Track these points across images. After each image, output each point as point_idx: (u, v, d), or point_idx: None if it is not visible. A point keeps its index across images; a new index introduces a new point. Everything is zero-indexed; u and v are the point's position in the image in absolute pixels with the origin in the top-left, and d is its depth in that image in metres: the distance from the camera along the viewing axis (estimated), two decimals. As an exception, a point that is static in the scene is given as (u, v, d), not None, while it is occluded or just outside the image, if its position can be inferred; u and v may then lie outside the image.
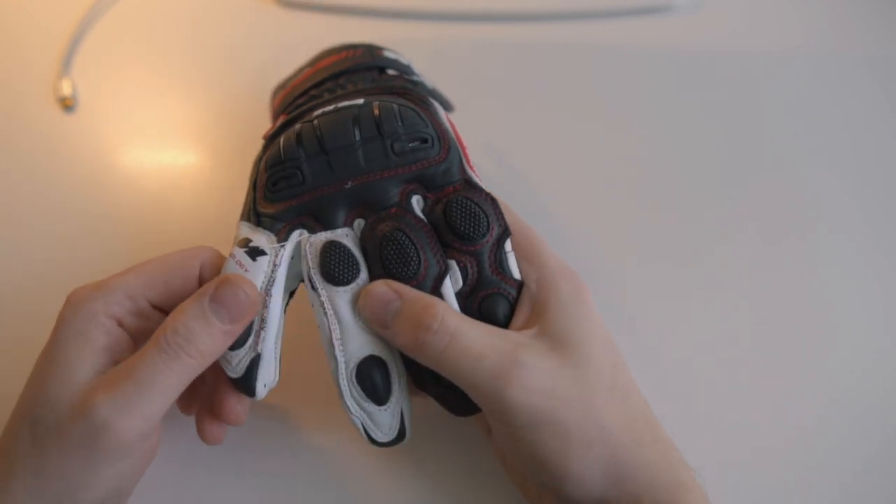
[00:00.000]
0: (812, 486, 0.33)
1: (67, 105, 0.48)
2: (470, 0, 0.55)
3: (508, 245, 0.30)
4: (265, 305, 0.29)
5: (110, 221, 0.42)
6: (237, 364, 0.29)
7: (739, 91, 0.50)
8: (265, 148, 0.33)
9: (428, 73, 0.41)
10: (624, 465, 0.26)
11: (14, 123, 0.48)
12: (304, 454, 0.33)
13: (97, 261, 0.40)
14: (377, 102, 0.31)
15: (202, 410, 0.31)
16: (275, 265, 0.29)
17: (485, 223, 0.29)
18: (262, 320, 0.29)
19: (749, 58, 0.52)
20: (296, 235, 0.30)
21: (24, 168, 0.45)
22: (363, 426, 0.29)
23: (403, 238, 0.29)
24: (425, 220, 0.30)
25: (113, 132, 0.48)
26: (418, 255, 0.29)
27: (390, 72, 0.37)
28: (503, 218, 0.30)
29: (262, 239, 0.30)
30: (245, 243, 0.29)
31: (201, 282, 0.30)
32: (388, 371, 0.29)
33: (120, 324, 0.28)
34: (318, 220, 0.30)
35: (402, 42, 0.45)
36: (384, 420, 0.29)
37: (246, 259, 0.29)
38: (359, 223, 0.30)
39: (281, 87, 0.40)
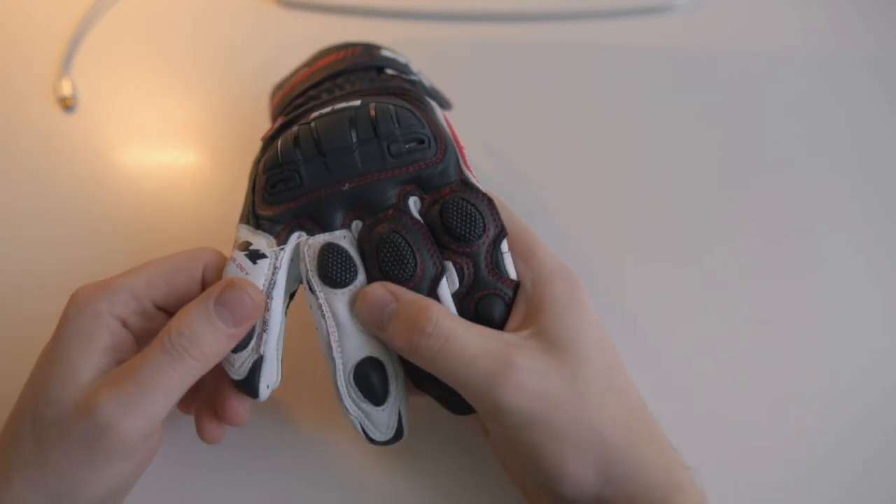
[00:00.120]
0: (812, 486, 0.33)
1: (67, 105, 0.48)
2: (470, 0, 0.55)
3: (505, 246, 0.30)
4: (267, 308, 0.29)
5: (110, 221, 0.43)
6: (240, 366, 0.29)
7: (739, 91, 0.50)
8: (263, 150, 0.33)
9: (428, 73, 0.41)
10: (619, 465, 0.26)
11: (14, 123, 0.48)
12: (303, 453, 0.33)
13: (97, 261, 0.40)
14: (373, 104, 0.31)
15: (202, 410, 0.31)
16: (275, 268, 0.29)
17: (481, 224, 0.29)
18: (264, 323, 0.29)
19: (749, 58, 0.52)
20: (294, 238, 0.30)
21: (24, 168, 0.45)
22: (361, 426, 0.29)
23: (400, 240, 0.29)
24: (422, 221, 0.30)
25: (113, 132, 0.48)
26: (415, 258, 0.29)
27: (388, 71, 0.37)
28: (499, 218, 0.30)
29: (261, 242, 0.30)
30: (245, 246, 0.30)
31: (204, 283, 0.30)
32: (386, 372, 0.29)
33: (124, 324, 0.28)
34: (316, 222, 0.30)
35: (402, 42, 0.45)
36: (382, 420, 0.29)
37: (246, 262, 0.29)
38: (356, 225, 0.30)
39: (279, 86, 0.40)
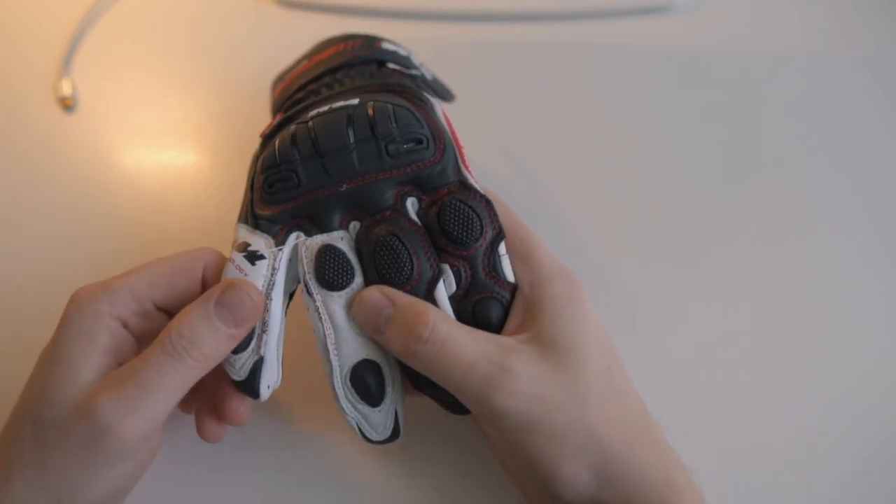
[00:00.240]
0: (812, 486, 0.33)
1: (67, 105, 0.48)
2: (470, 0, 0.55)
3: (503, 248, 0.30)
4: (266, 309, 0.29)
5: (110, 221, 0.43)
6: (240, 367, 0.29)
7: (739, 91, 0.50)
8: (262, 147, 0.33)
9: (428, 73, 0.41)
10: (616, 467, 0.26)
11: (14, 123, 0.48)
12: (303, 453, 0.33)
13: (97, 261, 0.40)
14: (371, 103, 0.31)
15: (202, 409, 0.31)
16: (274, 269, 0.29)
17: (478, 227, 0.29)
18: (264, 324, 0.29)
19: (749, 58, 0.52)
20: (293, 238, 0.30)
21: (24, 168, 0.45)
22: (358, 427, 0.29)
23: (397, 243, 0.29)
24: (419, 223, 0.30)
25: (113, 132, 0.48)
26: (412, 261, 0.29)
27: (389, 65, 0.37)
28: (497, 220, 0.30)
29: (260, 243, 0.30)
30: (244, 247, 0.30)
31: (204, 284, 0.30)
32: (382, 374, 0.29)
33: (124, 325, 0.28)
34: (314, 223, 0.30)
35: (401, 42, 0.45)
36: (379, 421, 0.29)
37: (245, 264, 0.29)
38: (354, 225, 0.30)
39: (280, 78, 0.40)
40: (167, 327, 0.27)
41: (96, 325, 0.27)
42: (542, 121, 0.48)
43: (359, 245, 0.30)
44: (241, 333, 0.28)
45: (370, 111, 0.31)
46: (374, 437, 0.29)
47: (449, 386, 0.27)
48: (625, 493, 0.26)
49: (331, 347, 0.29)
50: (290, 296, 0.31)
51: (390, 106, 0.31)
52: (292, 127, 0.31)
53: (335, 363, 0.29)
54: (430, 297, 0.29)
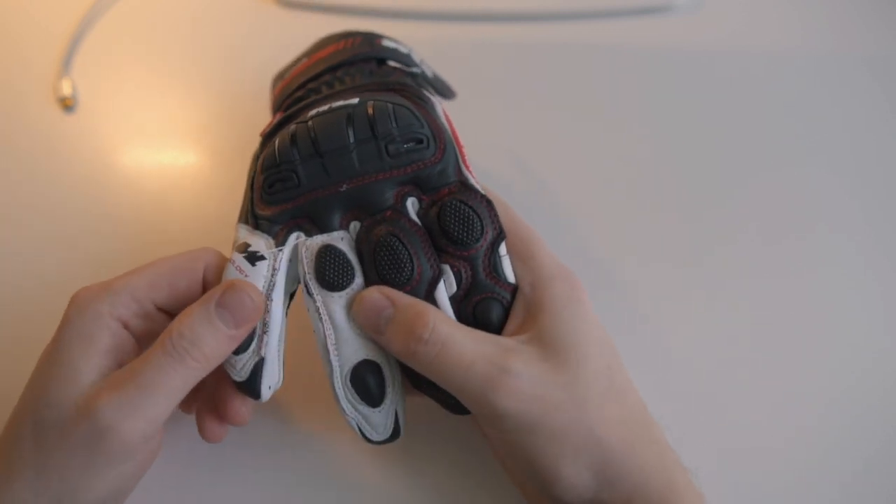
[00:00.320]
0: (812, 486, 0.33)
1: (67, 105, 0.48)
2: (470, 0, 0.55)
3: (503, 249, 0.30)
4: (266, 310, 0.29)
5: (110, 221, 0.43)
6: (241, 368, 0.29)
7: (739, 91, 0.50)
8: (262, 146, 0.33)
9: (428, 73, 0.40)
10: (616, 467, 0.26)
11: (14, 123, 0.48)
12: (303, 453, 0.33)
13: (97, 261, 0.40)
14: (371, 102, 0.31)
15: (203, 409, 0.31)
16: (274, 269, 0.29)
17: (479, 228, 0.29)
18: (265, 324, 0.29)
19: (749, 58, 0.52)
20: (293, 238, 0.30)
21: (24, 168, 0.45)
22: (358, 427, 0.29)
23: (397, 244, 0.29)
24: (420, 224, 0.30)
25: (113, 132, 0.48)
26: (412, 261, 0.29)
27: (389, 63, 0.37)
28: (498, 221, 0.30)
29: (260, 243, 0.30)
30: (244, 248, 0.30)
31: (204, 284, 0.30)
32: (383, 374, 0.29)
33: (125, 325, 0.28)
34: (314, 223, 0.30)
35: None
36: (379, 421, 0.29)
37: (245, 265, 0.29)
38: (354, 226, 0.30)
39: (280, 76, 0.40)
40: (168, 328, 0.27)
41: (97, 326, 0.27)
42: (542, 121, 0.48)
43: (359, 245, 0.30)
44: (242, 334, 0.28)
45: (370, 111, 0.30)
46: (375, 437, 0.29)
47: (449, 387, 0.27)
48: (625, 494, 0.26)
49: (331, 348, 0.29)
50: (290, 296, 0.31)
51: (390, 105, 0.31)
52: (292, 126, 0.31)
53: (335, 363, 0.29)
54: (430, 297, 0.29)
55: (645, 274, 0.40)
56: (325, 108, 0.31)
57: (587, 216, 0.43)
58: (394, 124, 0.30)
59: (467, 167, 0.31)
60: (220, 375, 0.30)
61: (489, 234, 0.29)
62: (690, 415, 0.34)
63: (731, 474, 0.33)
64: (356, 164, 0.30)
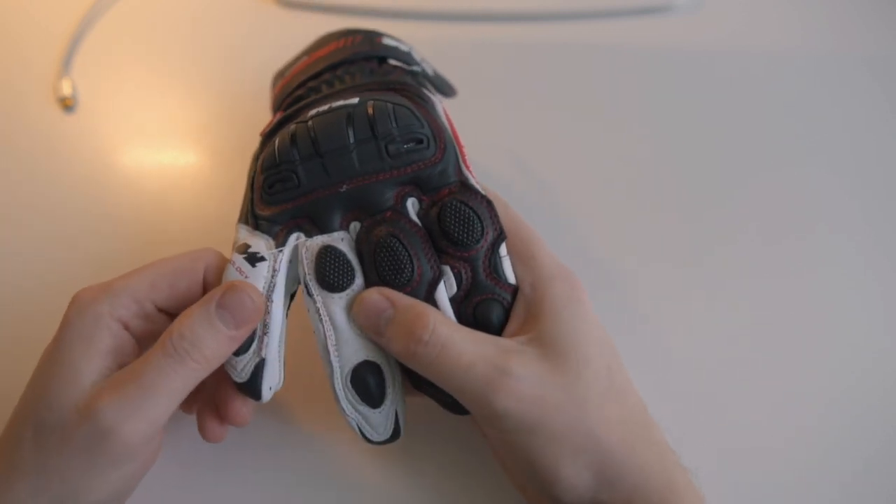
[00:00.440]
0: (812, 486, 0.33)
1: (67, 105, 0.48)
2: (470, 0, 0.55)
3: (503, 250, 0.30)
4: (267, 311, 0.29)
5: (110, 221, 0.43)
6: (242, 369, 0.29)
7: (739, 91, 0.50)
8: (262, 146, 0.33)
9: (428, 73, 0.40)
10: (616, 468, 0.26)
11: (14, 123, 0.48)
12: (303, 453, 0.33)
13: (97, 261, 0.40)
14: (371, 102, 0.31)
15: (204, 410, 0.31)
16: (274, 270, 0.29)
17: (479, 229, 0.29)
18: (265, 325, 0.29)
19: (749, 58, 0.52)
20: (293, 239, 0.30)
21: (24, 168, 0.45)
22: (358, 427, 0.29)
23: (397, 245, 0.29)
24: (420, 224, 0.30)
25: (113, 132, 0.48)
26: (412, 262, 0.29)
27: (390, 61, 0.37)
28: (498, 222, 0.30)
29: (260, 244, 0.30)
30: (244, 249, 0.29)
31: (205, 285, 0.30)
32: (383, 375, 0.29)
33: (125, 326, 0.28)
34: (314, 223, 0.30)
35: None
36: (379, 421, 0.29)
37: (245, 266, 0.29)
38: (355, 226, 0.30)
39: (280, 74, 0.40)
40: (168, 329, 0.27)
41: (97, 328, 0.27)
42: (542, 121, 0.48)
43: (359, 246, 0.30)
44: (242, 335, 0.28)
45: (370, 111, 0.30)
46: (375, 437, 0.29)
47: (449, 388, 0.27)
48: (625, 494, 0.26)
49: (331, 349, 0.29)
50: (290, 297, 0.31)
51: (390, 105, 0.31)
52: (292, 126, 0.31)
53: (336, 364, 0.29)
54: (430, 298, 0.29)
55: (645, 274, 0.40)
56: (324, 107, 0.31)
57: (587, 216, 0.43)
58: (394, 124, 0.30)
59: (468, 167, 0.31)
60: (220, 376, 0.30)
61: (489, 235, 0.29)
62: (690, 415, 0.34)
63: (731, 474, 0.33)
64: (356, 164, 0.30)
